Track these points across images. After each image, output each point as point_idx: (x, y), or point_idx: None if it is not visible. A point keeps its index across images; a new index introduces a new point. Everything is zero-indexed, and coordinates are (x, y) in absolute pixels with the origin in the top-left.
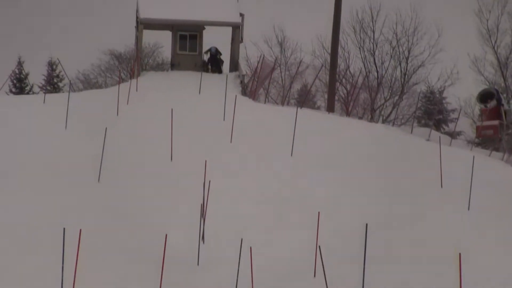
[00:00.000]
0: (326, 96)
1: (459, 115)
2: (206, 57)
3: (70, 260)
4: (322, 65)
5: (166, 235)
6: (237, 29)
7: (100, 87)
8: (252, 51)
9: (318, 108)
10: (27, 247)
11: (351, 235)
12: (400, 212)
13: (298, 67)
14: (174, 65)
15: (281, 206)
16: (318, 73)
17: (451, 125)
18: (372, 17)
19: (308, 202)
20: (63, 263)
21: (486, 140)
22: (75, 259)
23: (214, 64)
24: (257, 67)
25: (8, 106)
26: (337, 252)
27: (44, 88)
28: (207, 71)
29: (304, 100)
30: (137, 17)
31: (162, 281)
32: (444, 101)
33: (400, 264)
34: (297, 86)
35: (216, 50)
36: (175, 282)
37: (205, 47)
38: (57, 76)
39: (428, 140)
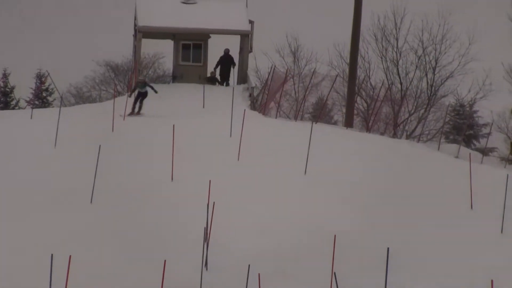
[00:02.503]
0: (344, 110)
1: (490, 129)
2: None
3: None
4: (338, 75)
5: (165, 261)
6: (246, 38)
7: (94, 101)
8: (262, 61)
9: (335, 123)
10: (13, 274)
11: (372, 261)
12: (426, 236)
13: (311, 78)
14: (176, 77)
15: (293, 230)
16: (333, 82)
17: (483, 141)
18: (396, 24)
19: (324, 226)
20: None
21: None
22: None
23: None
24: (267, 78)
25: None
26: (355, 280)
27: (31, 102)
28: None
29: (320, 114)
30: (135, 25)
31: None
32: (475, 115)
33: None
34: (312, 99)
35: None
36: None
37: (211, 58)
38: (46, 89)
39: (457, 157)
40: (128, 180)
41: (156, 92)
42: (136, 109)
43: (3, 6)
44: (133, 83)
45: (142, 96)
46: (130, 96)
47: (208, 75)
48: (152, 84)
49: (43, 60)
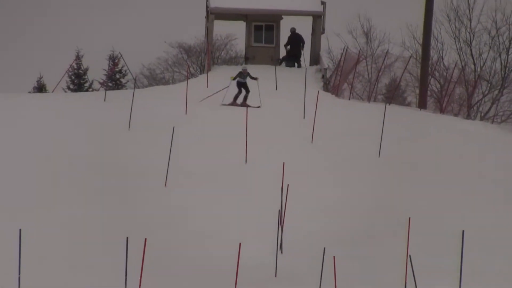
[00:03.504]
0: (417, 91)
1: None
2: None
3: (135, 270)
4: (411, 56)
5: (240, 244)
6: (318, 19)
7: (167, 83)
8: (335, 42)
9: (409, 104)
10: (90, 257)
11: (446, 243)
12: (503, 219)
13: (384, 59)
14: (249, 59)
15: (367, 212)
16: (407, 64)
17: None
18: (469, 4)
19: (398, 208)
20: (126, 275)
21: None
22: (140, 270)
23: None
24: (340, 59)
25: (66, 104)
26: (430, 262)
27: (105, 84)
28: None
29: (393, 95)
30: (207, 6)
31: None
32: None
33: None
34: (385, 80)
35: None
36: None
37: (283, 39)
38: (120, 71)
39: None
40: (201, 163)
41: (256, 79)
42: (241, 100)
43: None
44: (206, 65)
45: (243, 86)
46: (233, 79)
47: (280, 57)
48: (249, 74)
49: (115, 41)
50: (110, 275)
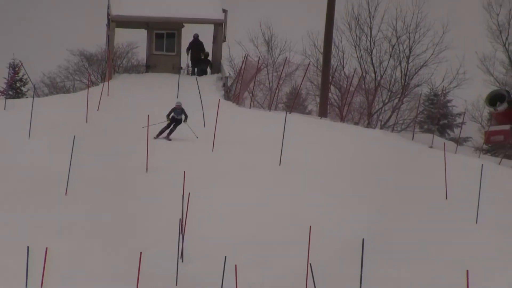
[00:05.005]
0: (318, 99)
1: (463, 119)
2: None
3: (36, 281)
4: (310, 62)
5: (141, 252)
6: (219, 27)
7: (67, 91)
8: (236, 50)
9: (309, 113)
10: None
11: (347, 251)
12: (401, 225)
13: (283, 67)
14: (150, 67)
15: (269, 221)
16: (306, 71)
17: (457, 131)
18: (370, 13)
19: (299, 216)
20: (26, 285)
21: (496, 146)
22: (41, 280)
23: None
24: (241, 68)
25: None
26: (332, 270)
27: (5, 93)
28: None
29: (294, 104)
30: (108, 14)
31: None
32: (449, 104)
33: (401, 282)
34: (286, 89)
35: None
36: None
37: (184, 47)
38: (20, 79)
39: (431, 147)
40: (102, 171)
41: (186, 119)
42: (166, 134)
43: None
44: (107, 73)
45: (176, 122)
46: (168, 120)
47: (182, 65)
48: (183, 110)
49: (16, 50)
50: None
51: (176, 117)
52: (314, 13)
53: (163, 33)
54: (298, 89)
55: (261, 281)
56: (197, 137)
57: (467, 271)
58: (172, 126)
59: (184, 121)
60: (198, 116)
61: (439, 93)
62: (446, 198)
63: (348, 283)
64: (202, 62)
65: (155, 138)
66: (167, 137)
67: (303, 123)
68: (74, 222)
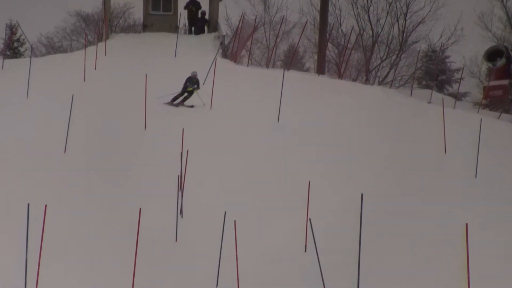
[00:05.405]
0: (315, 57)
1: (461, 74)
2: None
3: (36, 237)
4: (307, 21)
5: (140, 209)
6: None
7: (65, 51)
8: (232, 9)
9: (307, 70)
10: None
11: (346, 207)
12: (400, 181)
13: (280, 25)
14: (147, 26)
15: (267, 178)
16: (303, 29)
17: (455, 86)
18: None
19: (297, 172)
20: (27, 241)
21: (494, 101)
22: (41, 236)
23: (197, 22)
24: (238, 26)
25: None
26: (331, 226)
27: (2, 53)
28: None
29: (291, 61)
30: None
31: (138, 257)
32: (447, 60)
33: (399, 236)
34: (283, 46)
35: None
36: (152, 259)
37: (181, 6)
38: (18, 40)
39: (429, 102)
40: (101, 129)
41: (198, 87)
42: (180, 99)
43: None
44: (104, 33)
45: (189, 93)
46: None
47: (179, 24)
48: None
49: (13, 10)
50: None
51: (191, 86)
52: None
53: None
54: (295, 47)
55: (260, 237)
56: (204, 104)
57: (467, 224)
58: (186, 94)
59: (196, 89)
60: (198, 74)
61: (437, 49)
62: (445, 152)
63: (348, 237)
64: (199, 21)
65: (171, 104)
66: (181, 102)
67: (301, 80)
68: (73, 179)
